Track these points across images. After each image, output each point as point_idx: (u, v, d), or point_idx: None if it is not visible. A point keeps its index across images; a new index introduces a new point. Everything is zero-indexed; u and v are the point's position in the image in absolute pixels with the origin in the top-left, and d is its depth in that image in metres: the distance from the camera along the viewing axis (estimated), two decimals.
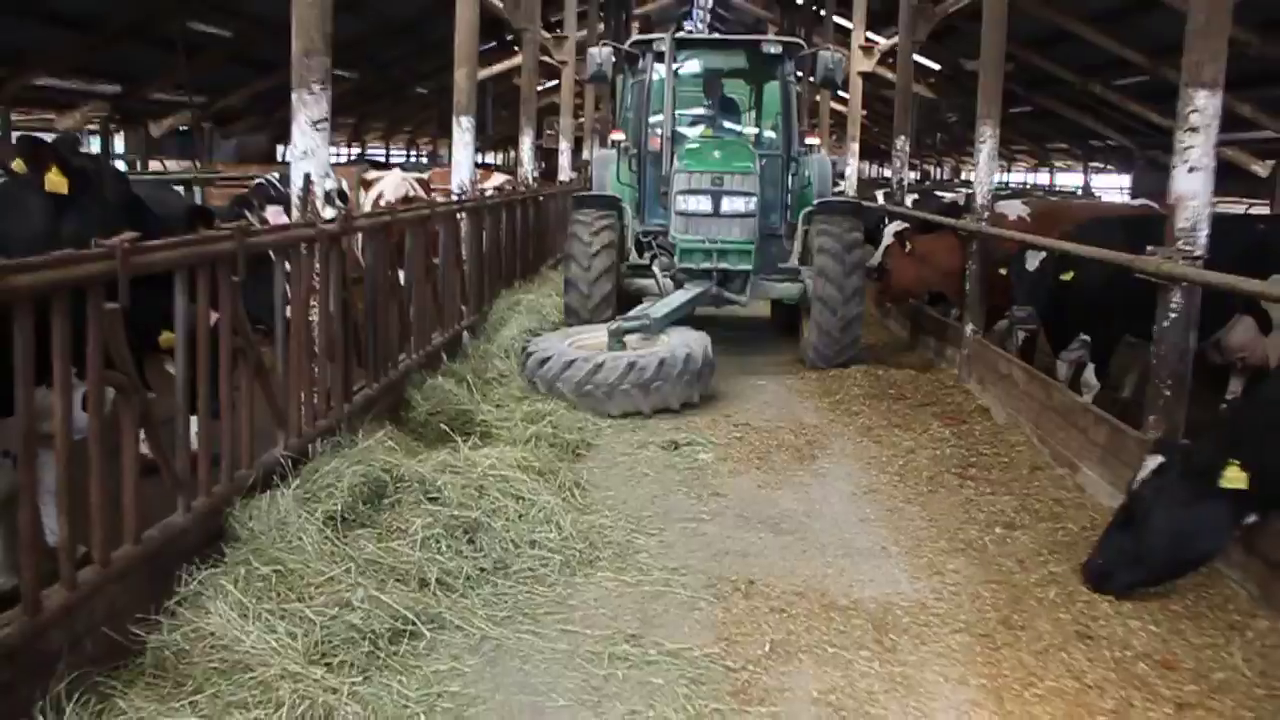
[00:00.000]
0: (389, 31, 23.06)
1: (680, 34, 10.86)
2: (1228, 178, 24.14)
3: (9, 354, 3.12)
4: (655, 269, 9.98)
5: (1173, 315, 5.33)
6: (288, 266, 5.17)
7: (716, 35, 12.02)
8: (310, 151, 5.43)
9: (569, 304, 9.59)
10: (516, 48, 19.36)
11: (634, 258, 10.34)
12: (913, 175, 34.33)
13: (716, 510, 5.77)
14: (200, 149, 23.54)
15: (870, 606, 4.54)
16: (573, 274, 9.52)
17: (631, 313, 8.82)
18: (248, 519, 4.37)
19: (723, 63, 11.60)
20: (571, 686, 3.79)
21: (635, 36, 11.39)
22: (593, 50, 10.73)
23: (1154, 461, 4.62)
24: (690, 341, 8.04)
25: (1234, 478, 4.29)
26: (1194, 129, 5.25)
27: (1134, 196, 28.27)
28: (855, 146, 18.23)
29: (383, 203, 11.32)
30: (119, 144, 23.14)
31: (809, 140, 11.21)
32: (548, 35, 18.06)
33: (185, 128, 23.14)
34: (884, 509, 5.86)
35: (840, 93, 22.50)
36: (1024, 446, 6.97)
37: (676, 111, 10.54)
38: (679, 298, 9.09)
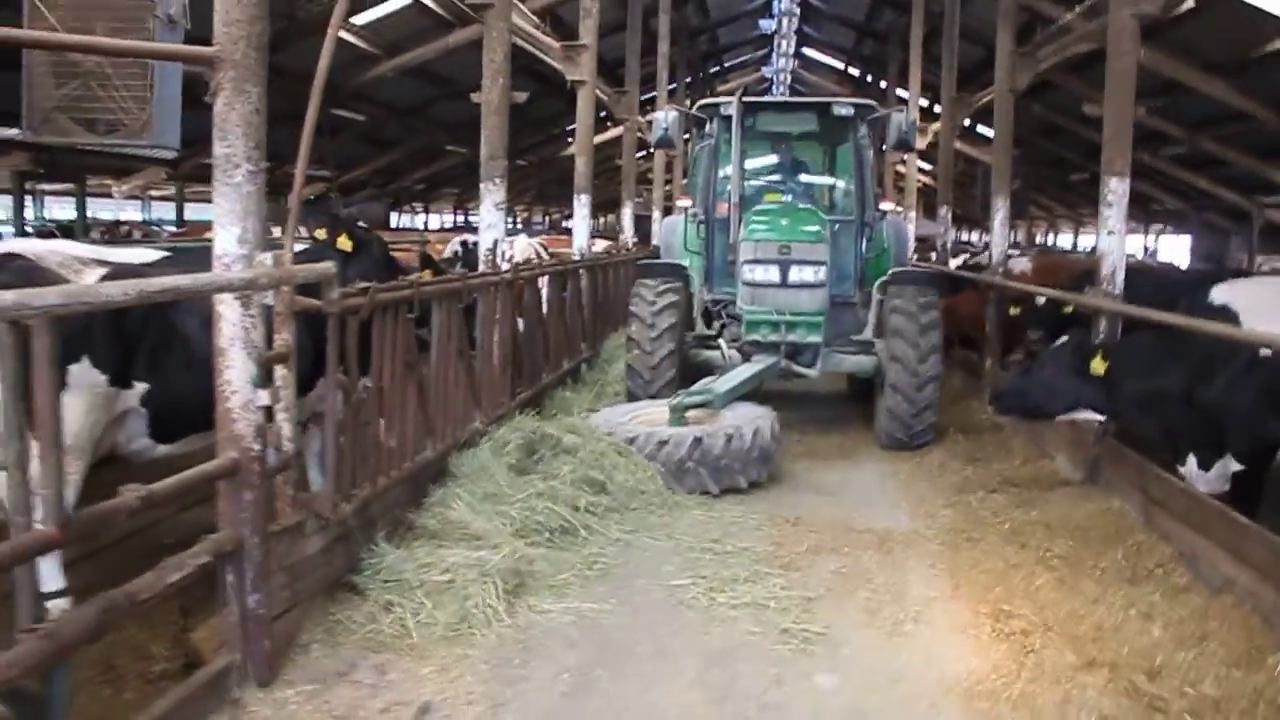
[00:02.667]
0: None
1: (748, 97, 10.42)
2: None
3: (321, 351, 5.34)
4: (721, 341, 9.69)
5: (1102, 336, 7.43)
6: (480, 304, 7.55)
7: (785, 98, 10.37)
8: (493, 224, 7.87)
9: (631, 378, 9.32)
10: (610, 124, 21.88)
11: (700, 328, 10.06)
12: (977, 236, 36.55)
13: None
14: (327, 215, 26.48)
15: (878, 528, 6.68)
16: (634, 347, 9.25)
17: (695, 387, 8.39)
18: (461, 464, 6.66)
19: (793, 126, 11.05)
20: (677, 561, 5.99)
21: (703, 100, 11.14)
22: (658, 114, 10.56)
23: (1064, 339, 7.19)
24: (757, 418, 7.73)
25: (1097, 366, 6.84)
26: (1110, 205, 7.38)
27: (1194, 257, 29.94)
28: (914, 214, 20.16)
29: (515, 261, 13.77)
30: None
31: (883, 205, 10.72)
32: (642, 119, 19.97)
33: (313, 196, 26.19)
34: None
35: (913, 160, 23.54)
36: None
37: (746, 179, 10.41)
38: (745, 371, 8.77)
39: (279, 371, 4.29)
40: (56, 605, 4.22)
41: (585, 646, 4.89)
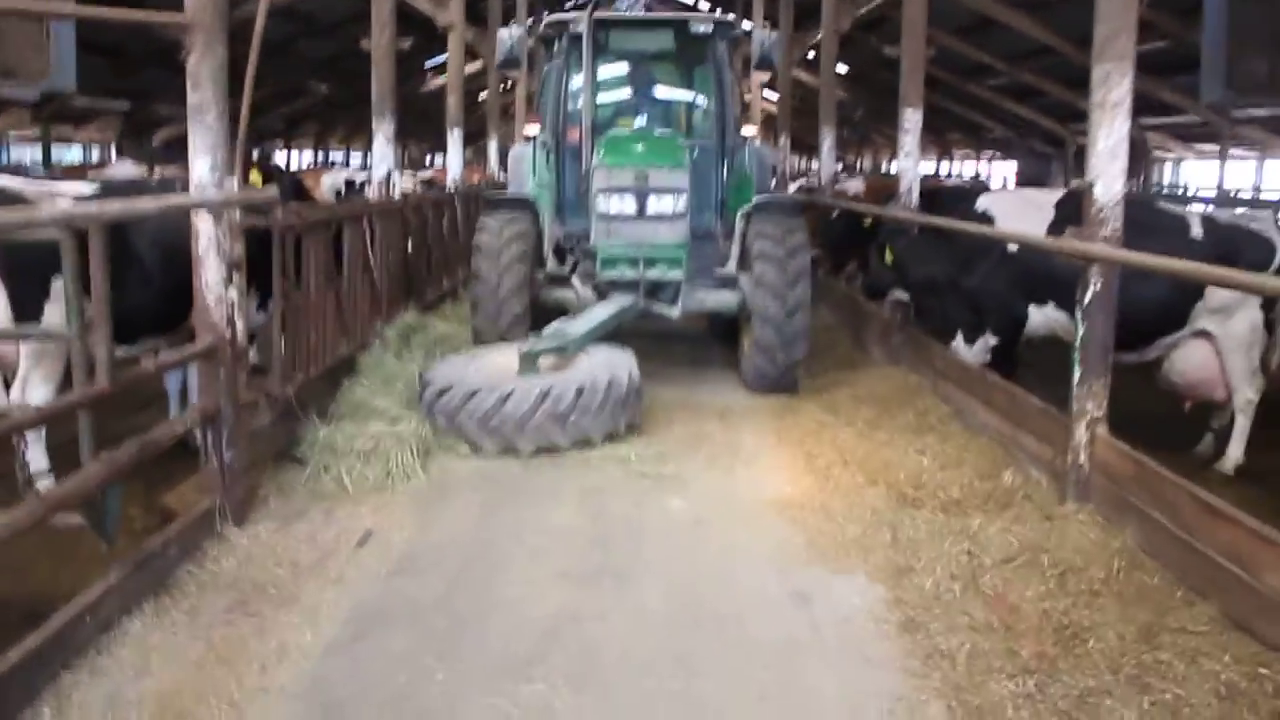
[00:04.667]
0: (356, 51, 26.36)
1: (600, 13, 9.48)
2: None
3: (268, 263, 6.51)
4: (575, 279, 9.04)
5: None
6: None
7: (639, 14, 9.82)
8: (384, 157, 8.96)
9: (476, 323, 8.57)
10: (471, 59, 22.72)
11: (552, 266, 9.29)
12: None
13: None
14: None
15: (719, 404, 8.15)
16: (480, 288, 8.50)
17: (546, 330, 7.78)
18: (366, 360, 7.87)
19: (648, 44, 10.21)
20: None
21: (551, 16, 10.15)
22: (502, 32, 9.72)
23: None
24: (614, 363, 7.27)
25: (886, 256, 8.80)
26: (906, 131, 8.92)
27: (1019, 183, 32.36)
28: (786, 140, 20.05)
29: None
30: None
31: (745, 130, 9.84)
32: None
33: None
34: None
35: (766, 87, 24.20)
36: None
37: (598, 103, 9.77)
38: (600, 312, 8.15)
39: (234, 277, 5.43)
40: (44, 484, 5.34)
41: (487, 489, 6.19)
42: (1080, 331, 5.61)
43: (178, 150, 26.56)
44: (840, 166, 43.73)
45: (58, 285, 5.79)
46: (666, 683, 3.95)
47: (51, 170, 18.76)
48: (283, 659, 4.05)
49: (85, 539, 5.48)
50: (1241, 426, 7.41)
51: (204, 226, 5.11)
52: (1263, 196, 21.72)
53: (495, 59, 9.96)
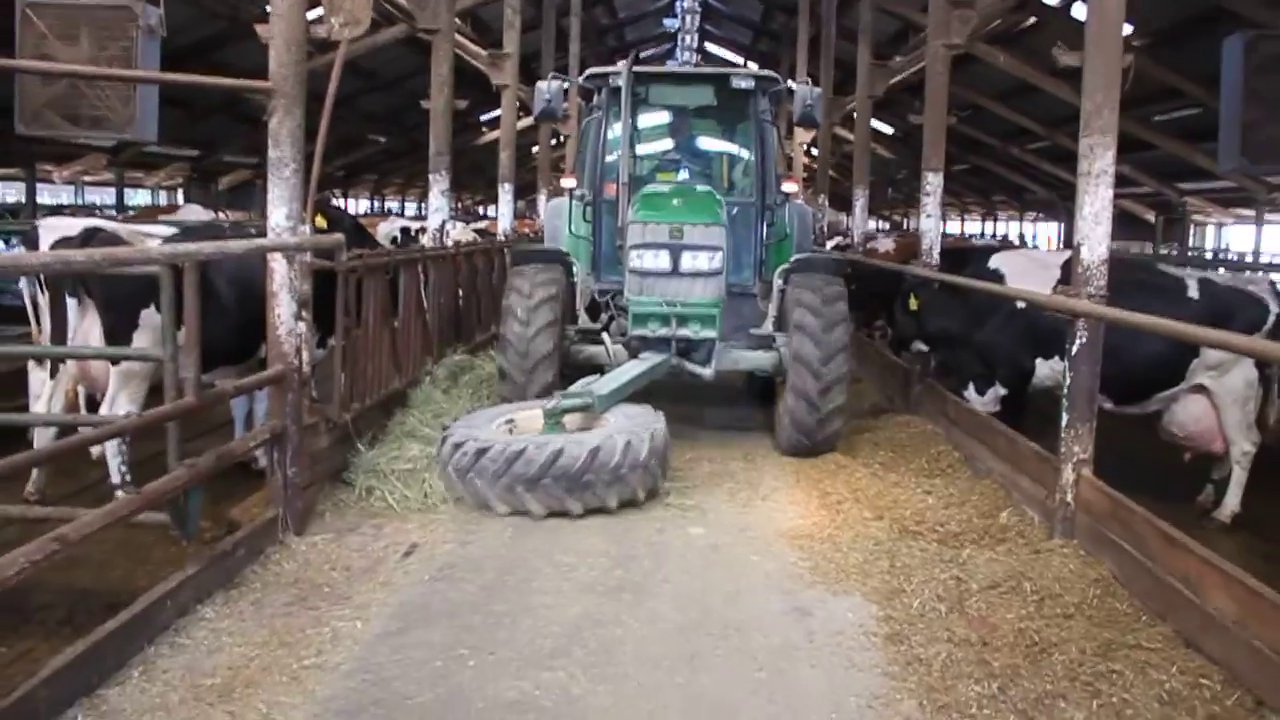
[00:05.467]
0: (417, 103, 27.49)
1: (640, 66, 9.53)
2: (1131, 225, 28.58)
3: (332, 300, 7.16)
4: (605, 335, 8.84)
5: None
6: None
7: (680, 68, 10.60)
8: (439, 208, 9.67)
9: (503, 384, 8.34)
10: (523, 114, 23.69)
11: (584, 321, 9.19)
12: (875, 224, 39.42)
13: None
14: (253, 201, 28.03)
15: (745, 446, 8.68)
16: (507, 342, 8.27)
17: (574, 387, 7.54)
18: (415, 394, 8.50)
19: (689, 99, 10.23)
20: None
21: (591, 70, 10.00)
22: (541, 84, 9.42)
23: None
24: (639, 424, 6.97)
25: (912, 303, 9.26)
26: (928, 194, 9.47)
27: (1064, 244, 32.72)
28: (825, 199, 20.34)
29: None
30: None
31: (786, 187, 9.64)
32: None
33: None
34: None
35: (809, 146, 24.11)
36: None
37: (637, 156, 9.76)
38: (630, 370, 7.96)
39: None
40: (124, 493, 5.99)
41: (522, 513, 6.76)
42: (1068, 381, 6.09)
43: (241, 195, 27.89)
44: (886, 225, 44.77)
45: (145, 316, 6.51)
46: (673, 676, 4.47)
47: (125, 213, 19.78)
48: (336, 644, 4.63)
49: (157, 545, 6.20)
50: (1238, 477, 7.82)
51: (279, 267, 5.77)
52: None
53: (534, 111, 9.70)
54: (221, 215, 17.62)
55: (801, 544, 6.26)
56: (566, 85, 9.72)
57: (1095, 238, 5.93)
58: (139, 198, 28.05)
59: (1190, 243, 27.88)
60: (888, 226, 44.70)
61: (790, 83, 11.08)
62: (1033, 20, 17.03)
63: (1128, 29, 16.72)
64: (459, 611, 5.04)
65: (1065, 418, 6.07)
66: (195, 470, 4.87)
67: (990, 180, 34.49)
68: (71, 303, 6.44)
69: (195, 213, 15.57)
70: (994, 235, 38.83)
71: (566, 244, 9.44)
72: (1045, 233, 38.65)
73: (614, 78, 9.22)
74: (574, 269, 9.06)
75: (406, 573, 5.58)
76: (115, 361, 6.38)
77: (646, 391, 8.03)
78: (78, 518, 4.18)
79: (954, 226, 45.76)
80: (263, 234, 6.79)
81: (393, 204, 43.48)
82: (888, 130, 30.68)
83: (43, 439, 6.53)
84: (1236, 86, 9.42)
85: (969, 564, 5.73)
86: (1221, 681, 4.27)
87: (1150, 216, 27.41)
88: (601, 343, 8.85)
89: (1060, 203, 32.67)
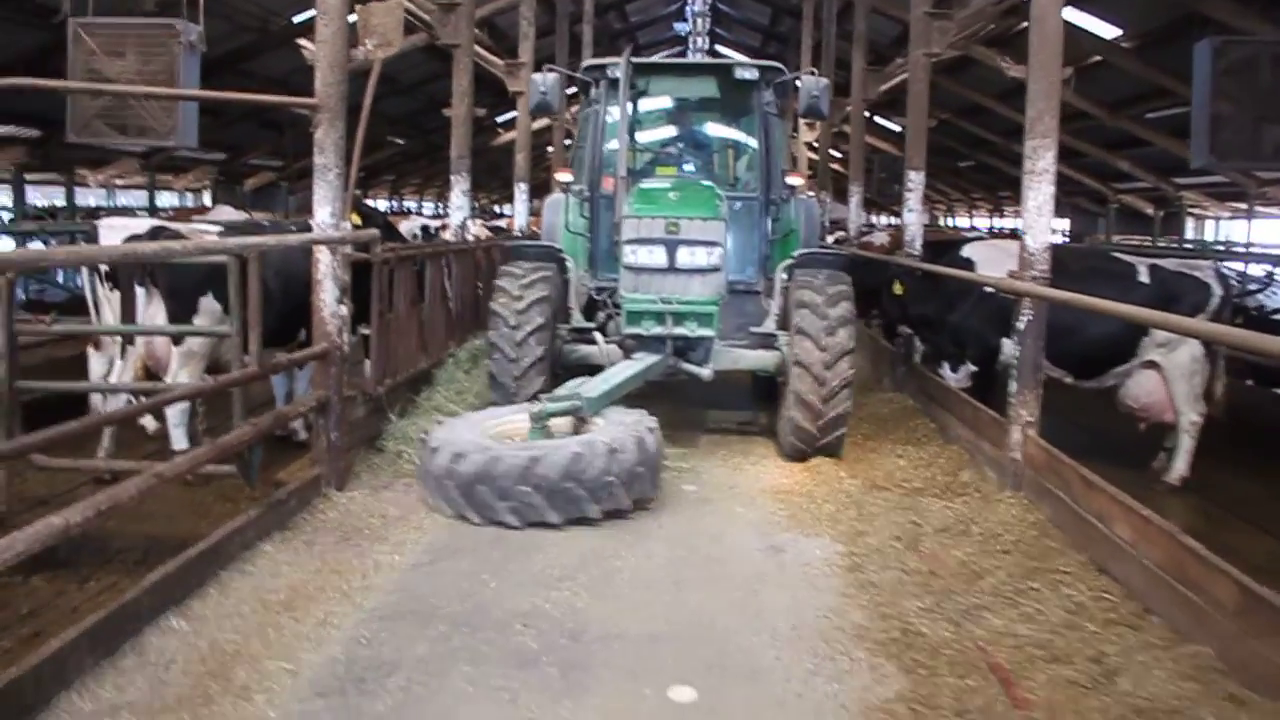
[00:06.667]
0: (435, 108, 28.43)
1: (639, 58, 9.27)
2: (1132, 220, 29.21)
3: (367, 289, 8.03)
4: (598, 335, 8.55)
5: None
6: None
7: (681, 60, 9.90)
8: (460, 207, 10.54)
9: (493, 376, 8.15)
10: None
11: (577, 319, 8.81)
12: (882, 218, 40.23)
13: None
14: (276, 202, 29.00)
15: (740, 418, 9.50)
16: (497, 341, 8.08)
17: (561, 389, 7.32)
18: (440, 373, 9.36)
19: (690, 91, 10.04)
20: None
21: (588, 61, 9.92)
22: (536, 77, 9.10)
23: None
24: (629, 429, 6.69)
25: (897, 287, 10.04)
26: (910, 190, 10.27)
27: (1073, 239, 33.44)
28: (828, 195, 21.42)
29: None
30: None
31: (791, 180, 9.36)
32: (568, 114, 22.61)
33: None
34: None
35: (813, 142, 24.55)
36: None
37: (636, 150, 9.58)
38: (623, 371, 7.72)
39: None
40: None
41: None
42: (1017, 352, 6.90)
43: (265, 196, 28.81)
44: (893, 219, 45.47)
45: (203, 303, 7.40)
46: (662, 596, 5.31)
47: (158, 214, 20.75)
48: (378, 571, 5.49)
49: (215, 502, 7.10)
50: (1185, 445, 8.60)
51: (324, 258, 6.64)
52: None
53: (529, 104, 9.35)
54: (253, 216, 18.53)
55: (782, 498, 7.08)
56: (562, 79, 9.45)
57: (1039, 228, 6.74)
58: (166, 200, 29.06)
59: (1190, 236, 28.52)
60: (894, 220, 45.38)
61: (806, 70, 10.58)
62: (1024, 25, 17.80)
63: (1117, 31, 17.57)
64: (480, 548, 5.90)
65: (1014, 385, 6.88)
66: (258, 428, 5.74)
67: (997, 177, 35.17)
68: (140, 291, 7.32)
69: (228, 213, 16.46)
70: (991, 229, 39.42)
71: (563, 240, 9.23)
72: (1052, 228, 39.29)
73: (612, 69, 8.99)
74: (568, 266, 8.81)
75: (435, 519, 6.42)
76: (179, 341, 7.26)
77: (644, 394, 8.03)
78: (155, 469, 5.05)
79: (963, 221, 46.42)
80: (302, 231, 7.70)
81: (410, 203, 44.51)
82: (896, 129, 31.45)
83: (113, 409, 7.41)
84: (1206, 88, 10.24)
85: (926, 511, 6.56)
86: (1120, 595, 5.09)
87: (1150, 210, 28.04)
88: (595, 342, 8.54)
89: (1064, 198, 33.41)
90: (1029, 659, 4.51)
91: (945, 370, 9.40)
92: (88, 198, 25.94)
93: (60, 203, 22.36)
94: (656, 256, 7.99)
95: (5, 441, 5.31)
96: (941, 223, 47.34)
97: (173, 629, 4.64)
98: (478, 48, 13.01)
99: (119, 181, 26.02)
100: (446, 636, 4.73)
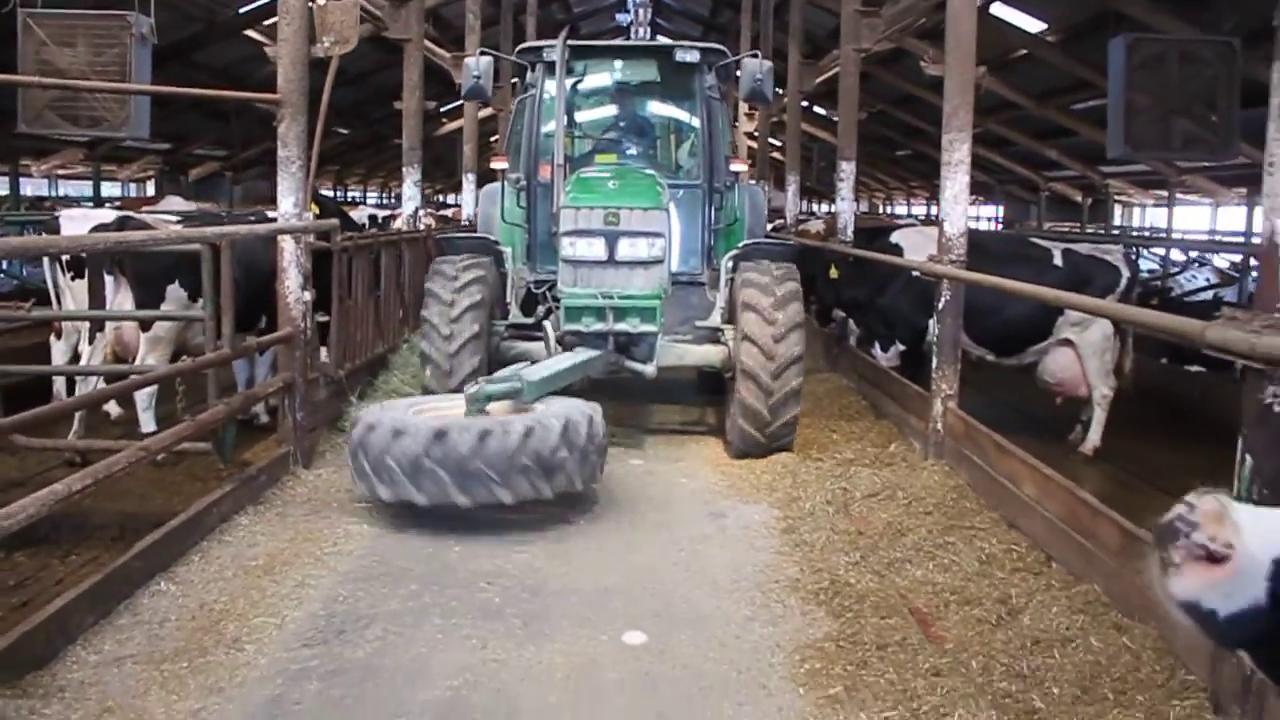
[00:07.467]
0: (381, 98, 28.58)
1: (575, 40, 9.00)
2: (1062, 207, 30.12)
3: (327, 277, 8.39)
4: (548, 326, 8.12)
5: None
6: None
7: (619, 42, 9.85)
8: (412, 197, 10.89)
9: (427, 370, 7.87)
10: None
11: (516, 316, 8.56)
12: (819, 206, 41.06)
13: None
14: (220, 192, 29.01)
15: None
16: (429, 339, 7.83)
17: (501, 372, 6.96)
18: (395, 358, 9.73)
19: (630, 74, 9.73)
20: None
21: (524, 44, 9.69)
22: (469, 61, 8.84)
23: None
24: (573, 412, 6.39)
25: (833, 271, 10.43)
26: (842, 180, 10.81)
27: (1006, 225, 34.36)
28: (767, 185, 22.48)
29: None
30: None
31: (735, 167, 9.12)
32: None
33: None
34: None
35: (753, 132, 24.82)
36: None
37: (574, 136, 9.17)
38: (564, 360, 7.41)
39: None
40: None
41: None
42: (937, 331, 7.45)
43: (209, 186, 28.77)
44: (828, 209, 46.45)
45: (170, 291, 7.72)
46: (612, 556, 5.79)
47: (105, 204, 20.77)
48: (349, 539, 5.90)
49: (185, 481, 7.44)
50: (1098, 417, 9.21)
51: (288, 246, 7.01)
52: (1217, 239, 23.72)
53: (462, 89, 8.98)
54: (204, 206, 18.69)
55: (723, 470, 7.60)
56: (495, 63, 9.11)
57: (955, 214, 7.29)
58: (109, 189, 28.93)
59: (1117, 223, 29.52)
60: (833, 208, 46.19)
61: (749, 53, 10.16)
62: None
63: (1041, 25, 18.29)
64: (442, 518, 6.30)
65: (935, 361, 7.43)
66: (231, 406, 6.12)
67: (931, 165, 36.02)
68: (108, 280, 7.62)
69: (178, 203, 16.63)
70: (927, 216, 40.33)
71: (500, 232, 8.90)
72: (986, 214, 40.24)
73: (548, 51, 8.69)
74: (504, 258, 8.56)
75: None
76: (147, 327, 7.58)
77: (581, 390, 7.70)
78: (140, 444, 5.41)
79: (900, 209, 47.37)
80: (257, 221, 8.03)
81: (354, 192, 44.50)
82: (835, 119, 32.06)
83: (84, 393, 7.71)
84: (1120, 82, 10.87)
85: (856, 479, 7.08)
86: (1027, 547, 5.64)
87: (1079, 198, 29.00)
88: (538, 338, 8.20)
89: (997, 186, 34.35)
90: (944, 603, 5.05)
91: (876, 350, 9.96)
92: (28, 188, 25.83)
93: (2, 191, 22.33)
94: (596, 248, 7.68)
95: None
96: (881, 210, 48.39)
97: (163, 591, 5.02)
98: (426, 42, 13.30)
99: (61, 172, 25.89)
100: (417, 594, 5.16)
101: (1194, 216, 26.87)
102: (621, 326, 7.65)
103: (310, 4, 7.42)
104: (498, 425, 6.01)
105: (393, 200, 45.97)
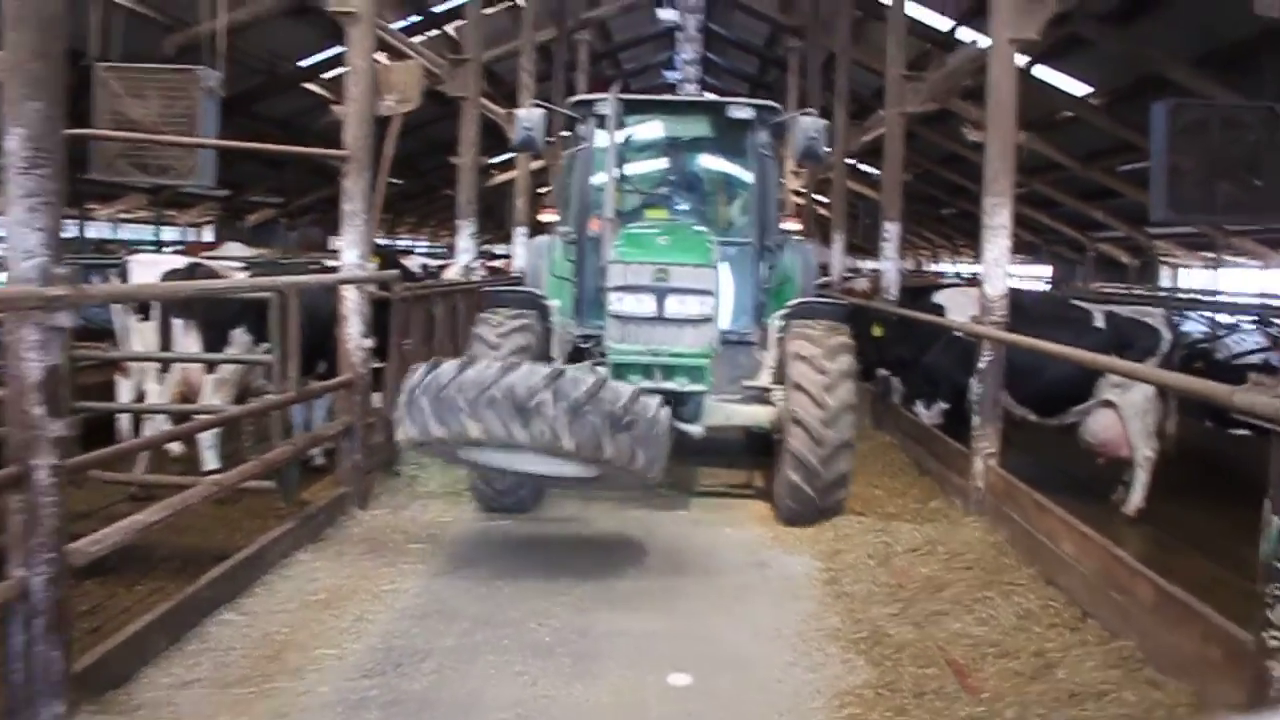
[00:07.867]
0: (433, 150, 29.27)
1: (628, 94, 8.98)
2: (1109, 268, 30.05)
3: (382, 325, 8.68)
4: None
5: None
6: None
7: (672, 96, 9.67)
8: (467, 249, 11.23)
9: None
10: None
11: None
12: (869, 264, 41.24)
13: None
14: (275, 237, 29.73)
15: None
16: None
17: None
18: None
19: (682, 130, 9.67)
20: None
21: (576, 96, 9.66)
22: (520, 112, 8.85)
23: None
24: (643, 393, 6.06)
25: (876, 329, 10.47)
26: (886, 240, 11.01)
27: (1053, 285, 34.37)
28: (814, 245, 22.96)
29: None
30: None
31: (787, 225, 9.11)
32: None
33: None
34: None
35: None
36: None
37: (625, 191, 8.82)
38: None
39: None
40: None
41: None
42: (979, 391, 7.60)
43: (264, 232, 29.47)
44: (873, 266, 46.71)
45: (234, 335, 8.05)
46: (659, 600, 5.97)
47: (164, 249, 21.40)
48: (404, 578, 6.12)
49: (245, 518, 7.71)
50: (1141, 479, 9.26)
51: (351, 295, 7.31)
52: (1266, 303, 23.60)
53: (514, 140, 8.92)
54: (262, 252, 19.22)
55: (767, 523, 7.74)
56: (547, 116, 8.99)
57: (996, 277, 7.46)
58: (169, 234, 29.74)
59: (1164, 284, 29.44)
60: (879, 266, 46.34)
61: (803, 110, 9.32)
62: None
63: (1086, 89, 18.50)
64: (496, 557, 6.53)
65: (976, 420, 7.57)
66: (296, 447, 6.39)
67: (976, 223, 35.99)
68: (177, 323, 7.96)
69: (237, 249, 17.12)
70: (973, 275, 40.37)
71: (548, 285, 8.73)
72: (1033, 274, 40.18)
73: (600, 104, 8.61)
74: (550, 312, 8.22)
75: (452, 535, 7.07)
76: (212, 369, 7.90)
77: None
78: (211, 479, 5.68)
79: (947, 266, 47.39)
80: (315, 268, 8.34)
81: (405, 241, 45.26)
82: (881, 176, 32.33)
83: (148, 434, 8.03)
84: (1163, 146, 11.02)
85: (897, 533, 7.21)
86: (1064, 602, 5.74)
87: (1125, 259, 29.01)
88: None
89: (1044, 246, 34.39)
90: (981, 655, 5.16)
91: (919, 408, 10.10)
92: (91, 230, 26.62)
93: (71, 234, 23.10)
94: (645, 305, 7.48)
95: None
96: (927, 268, 48.53)
97: (229, 621, 5.27)
98: (481, 99, 13.75)
99: (123, 215, 26.69)
100: (470, 632, 5.36)
101: (1244, 279, 26.74)
102: (669, 385, 7.44)
103: (375, 64, 7.80)
104: (570, 369, 6.01)
105: (444, 249, 46.93)
